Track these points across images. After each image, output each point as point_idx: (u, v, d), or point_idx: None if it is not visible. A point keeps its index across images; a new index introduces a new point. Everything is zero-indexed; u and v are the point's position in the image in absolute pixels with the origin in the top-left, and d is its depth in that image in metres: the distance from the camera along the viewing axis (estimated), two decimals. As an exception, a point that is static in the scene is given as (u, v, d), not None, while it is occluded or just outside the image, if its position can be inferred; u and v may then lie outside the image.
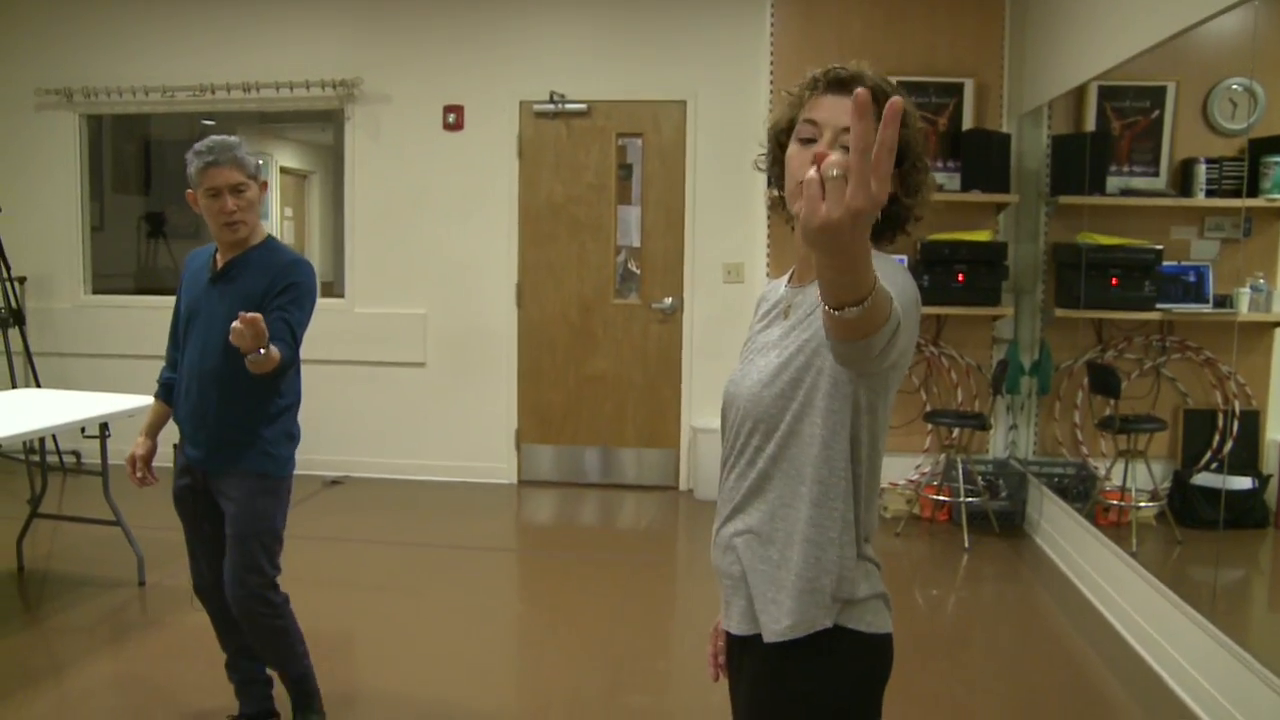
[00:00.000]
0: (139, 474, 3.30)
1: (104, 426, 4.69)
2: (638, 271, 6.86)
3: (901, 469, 6.38)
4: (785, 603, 1.66)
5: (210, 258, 3.16)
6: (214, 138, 3.04)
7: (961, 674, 4.21)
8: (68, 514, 5.29)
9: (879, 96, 1.60)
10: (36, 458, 5.34)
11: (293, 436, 3.20)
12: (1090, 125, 5.58)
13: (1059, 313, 5.86)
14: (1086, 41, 5.25)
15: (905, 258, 6.06)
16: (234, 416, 3.08)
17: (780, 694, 1.70)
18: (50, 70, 7.16)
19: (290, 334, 3.00)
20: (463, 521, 6.11)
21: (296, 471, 3.26)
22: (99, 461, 4.86)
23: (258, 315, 2.67)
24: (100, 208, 7.90)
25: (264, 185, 3.14)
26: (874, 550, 1.74)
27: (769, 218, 6.36)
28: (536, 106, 6.73)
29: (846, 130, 1.64)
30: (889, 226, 1.79)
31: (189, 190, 3.07)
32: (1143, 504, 5.28)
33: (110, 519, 4.87)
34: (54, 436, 6.17)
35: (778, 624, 1.66)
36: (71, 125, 7.23)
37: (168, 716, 3.57)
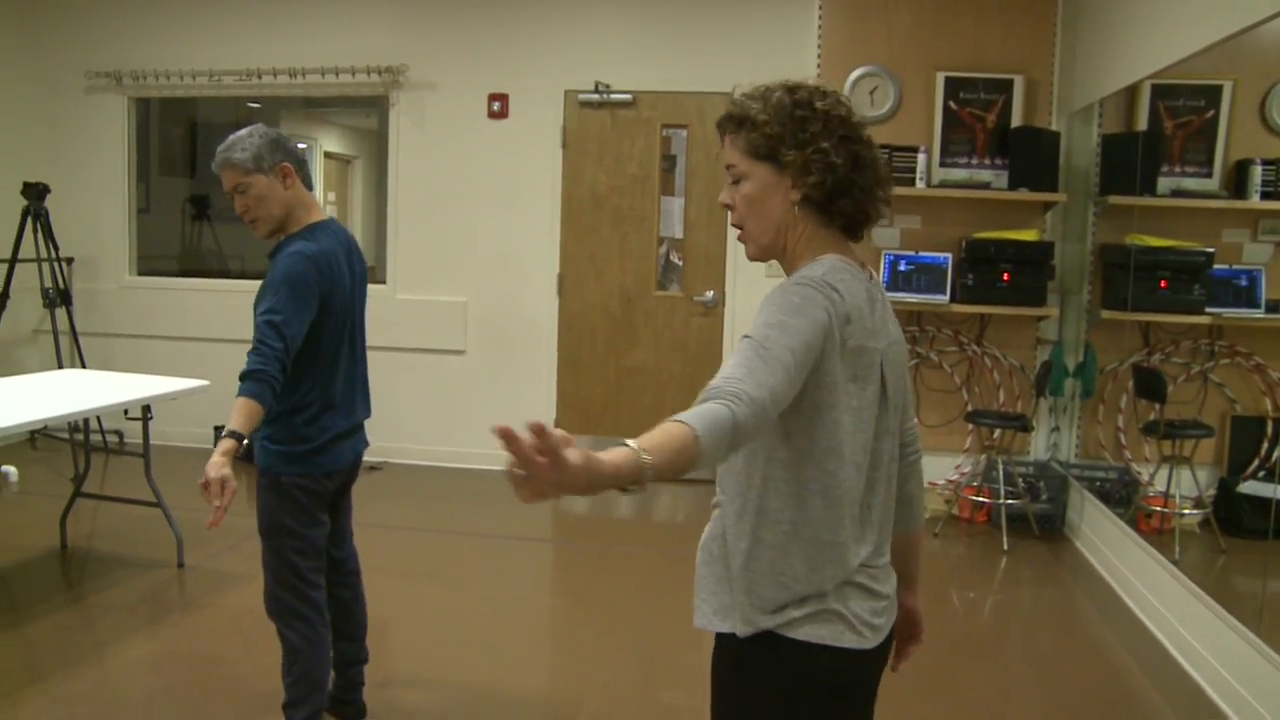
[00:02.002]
0: None
1: (146, 409, 4.73)
2: (680, 263, 6.83)
3: (941, 469, 6.32)
4: (702, 606, 1.83)
5: None
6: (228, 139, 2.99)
7: (997, 678, 4.16)
8: (110, 494, 5.34)
9: (732, 126, 1.76)
10: (81, 437, 5.39)
11: (300, 438, 3.00)
12: (1142, 124, 5.48)
13: (1105, 314, 5.78)
14: (1141, 39, 5.15)
15: (949, 256, 6.00)
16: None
17: (713, 682, 1.88)
18: (100, 54, 7.23)
19: (267, 333, 2.81)
20: (499, 511, 6.12)
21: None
22: (141, 442, 4.91)
23: (211, 482, 2.65)
24: (146, 190, 7.97)
25: (281, 170, 2.99)
26: (866, 571, 1.77)
27: (812, 212, 6.30)
28: (581, 96, 6.72)
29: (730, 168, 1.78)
30: (848, 226, 1.78)
31: None
32: (1186, 511, 5.21)
33: (151, 500, 4.92)
34: (98, 417, 6.24)
35: (698, 619, 1.85)
36: (120, 108, 7.30)
37: (206, 696, 3.60)
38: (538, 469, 1.26)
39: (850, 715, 1.81)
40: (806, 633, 1.72)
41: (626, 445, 1.38)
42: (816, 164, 1.68)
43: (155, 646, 4.04)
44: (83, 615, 4.33)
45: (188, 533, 4.99)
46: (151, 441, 4.95)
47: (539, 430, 1.24)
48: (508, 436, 1.22)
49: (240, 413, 2.73)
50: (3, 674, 3.71)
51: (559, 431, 1.29)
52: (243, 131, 3.00)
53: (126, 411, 4.64)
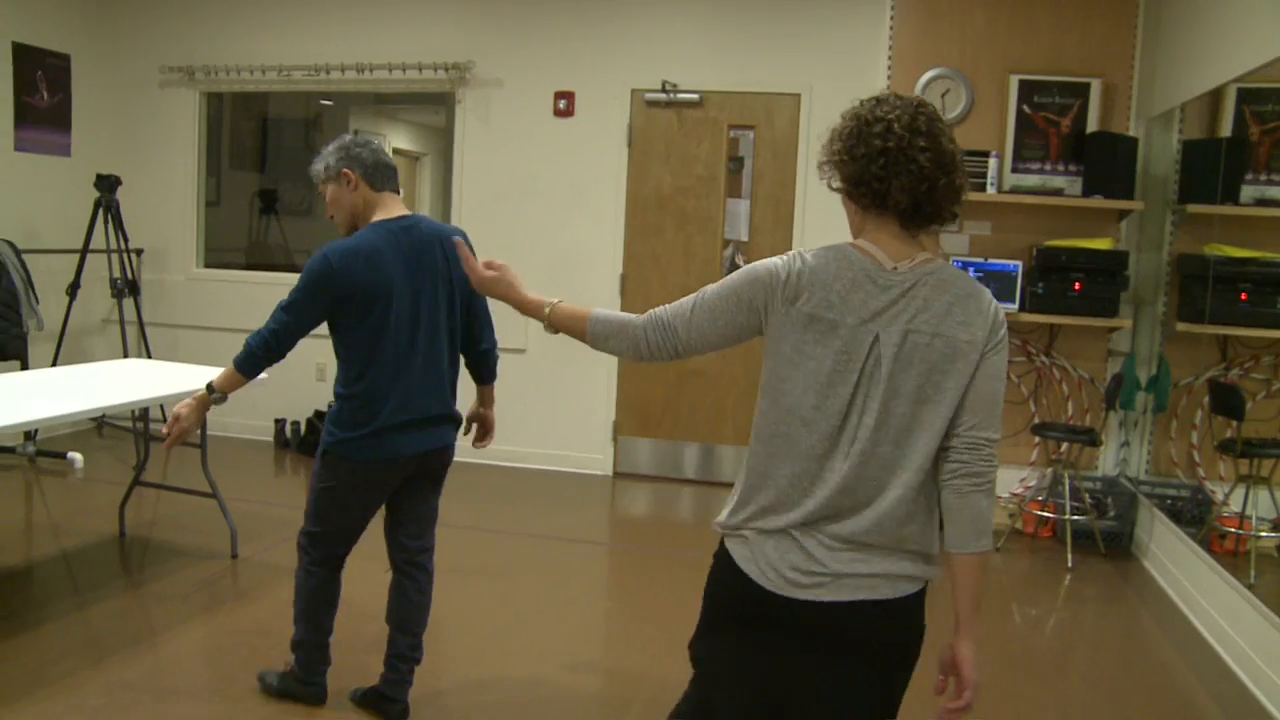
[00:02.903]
0: None
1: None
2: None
3: (1005, 481, 6.17)
4: None
5: None
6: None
7: (1057, 700, 4.02)
8: (169, 484, 5.39)
9: None
10: (141, 426, 5.44)
11: (346, 424, 3.20)
12: (1226, 130, 5.31)
13: (1181, 327, 5.59)
14: (1226, 41, 4.97)
15: (1019, 264, 5.85)
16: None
17: None
18: (174, 49, 7.34)
19: (272, 313, 3.16)
20: (557, 511, 6.09)
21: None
22: (215, 433, 4.94)
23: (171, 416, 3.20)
24: (217, 183, 8.07)
25: (344, 175, 3.22)
26: (808, 529, 1.97)
27: (879, 216, 6.19)
28: (648, 95, 6.66)
29: None
30: (901, 215, 1.97)
31: None
32: (1264, 533, 5.02)
33: (208, 490, 4.95)
34: (160, 406, 6.32)
35: None
36: (192, 102, 7.40)
37: (254, 689, 3.59)
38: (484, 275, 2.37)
39: (756, 643, 2.03)
40: (728, 545, 2.06)
41: (549, 300, 2.28)
42: (835, 163, 2.00)
43: (206, 636, 4.06)
44: (139, 602, 4.37)
45: (243, 524, 5.02)
46: (211, 432, 5.00)
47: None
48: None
49: (223, 373, 3.24)
50: (62, 656, 3.76)
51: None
52: (321, 150, 3.32)
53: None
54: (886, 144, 1.89)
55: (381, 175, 3.25)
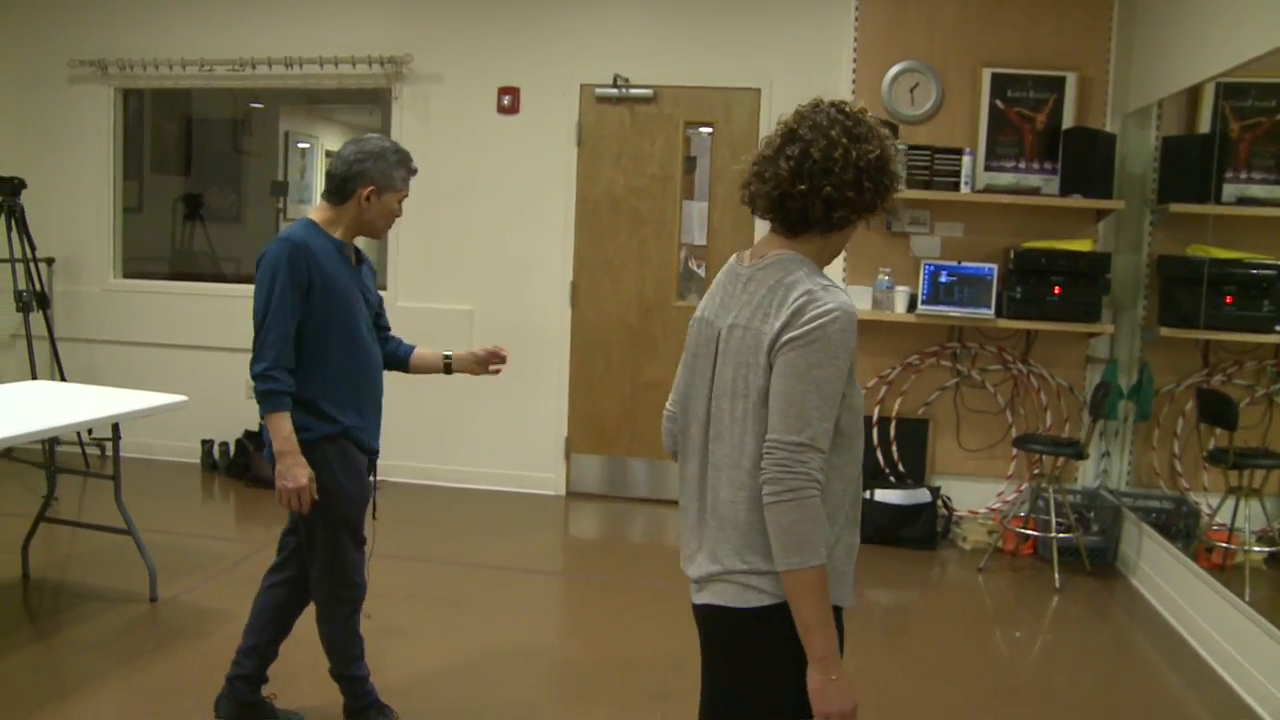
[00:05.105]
0: (314, 498, 3.06)
1: (115, 427, 4.29)
2: (702, 272, 6.39)
3: (982, 496, 5.89)
4: None
5: (333, 245, 3.10)
6: (398, 145, 3.17)
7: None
8: (80, 519, 4.88)
9: None
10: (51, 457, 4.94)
11: None
12: (1206, 126, 5.08)
13: (1163, 332, 5.35)
14: (1207, 35, 4.74)
15: (994, 267, 5.57)
16: None
17: None
18: (84, 41, 6.80)
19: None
20: (504, 537, 5.67)
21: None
22: (133, 455, 4.45)
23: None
24: (139, 188, 7.56)
25: None
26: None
27: (845, 218, 5.87)
28: (599, 90, 6.28)
29: None
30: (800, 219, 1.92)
31: (368, 186, 3.08)
32: (1255, 547, 4.78)
33: (122, 526, 4.46)
34: (78, 432, 5.81)
35: None
36: (106, 99, 6.86)
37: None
38: None
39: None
40: None
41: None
42: None
43: (121, 697, 3.59)
44: (44, 655, 3.90)
45: (166, 560, 4.55)
46: (134, 455, 4.51)
47: None
48: None
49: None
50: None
51: None
52: None
53: (91, 432, 4.20)
54: (763, 152, 1.95)
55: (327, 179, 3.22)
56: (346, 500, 3.10)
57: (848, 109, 1.91)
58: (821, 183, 1.86)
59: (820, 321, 1.79)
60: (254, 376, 2.98)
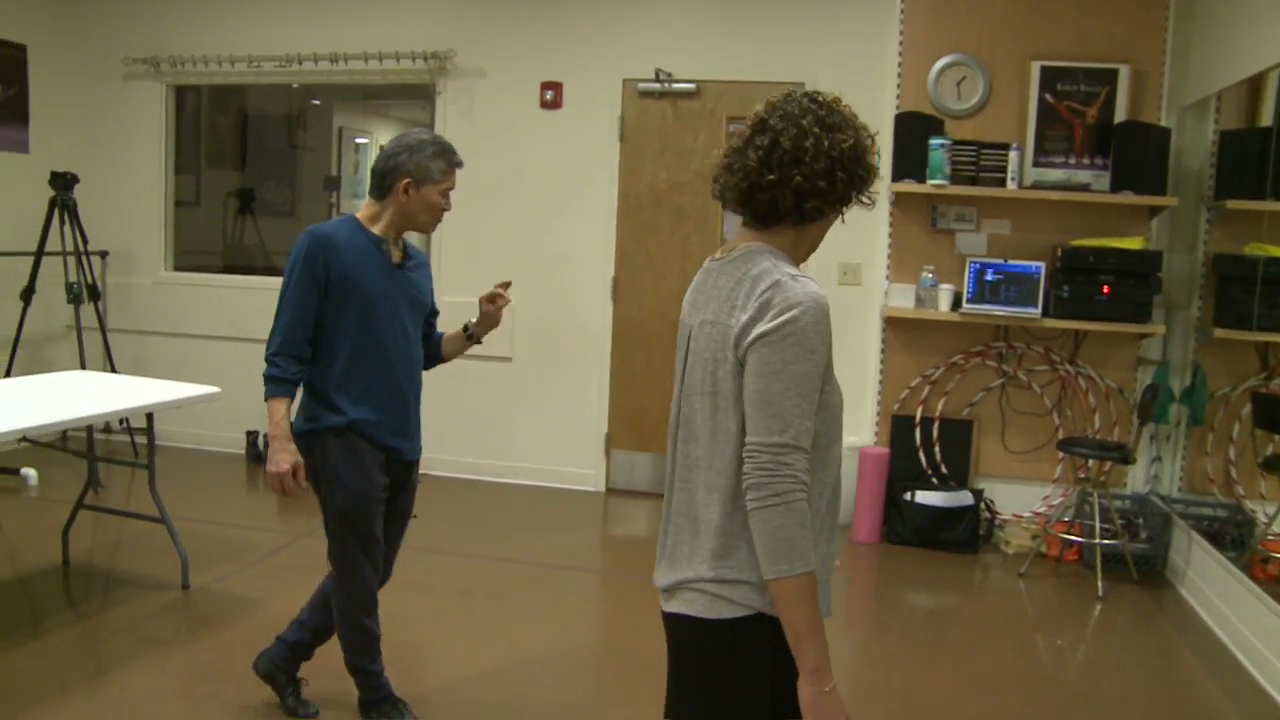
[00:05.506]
0: (301, 484, 3.10)
1: (149, 417, 4.34)
2: (742, 268, 6.31)
3: (1027, 500, 5.74)
4: None
5: (369, 241, 3.10)
6: (441, 137, 3.13)
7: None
8: (118, 507, 4.96)
9: None
10: (98, 444, 5.02)
11: None
12: (1268, 119, 4.86)
13: (1218, 333, 5.16)
14: (1273, 21, 4.53)
15: (1041, 266, 5.42)
16: (419, 401, 3.28)
17: None
18: (138, 38, 6.91)
19: None
20: (544, 533, 5.65)
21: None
22: (183, 445, 4.50)
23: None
24: (196, 182, 7.67)
25: None
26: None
27: (892, 214, 5.76)
28: (641, 85, 6.23)
29: None
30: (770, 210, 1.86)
31: (405, 179, 3.05)
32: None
33: (159, 515, 4.52)
34: (120, 421, 5.92)
35: None
36: (158, 95, 6.97)
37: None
38: None
39: None
40: None
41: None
42: None
43: (148, 681, 3.63)
44: (80, 637, 3.96)
45: (203, 548, 4.61)
46: (182, 445, 4.55)
47: None
48: None
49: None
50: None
51: None
52: None
53: (125, 421, 4.26)
54: (733, 144, 1.88)
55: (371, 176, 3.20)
56: (345, 494, 3.09)
57: (821, 98, 1.85)
58: (791, 172, 1.79)
59: (791, 314, 1.71)
60: (264, 360, 3.06)
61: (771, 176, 1.80)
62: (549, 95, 6.34)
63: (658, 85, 6.17)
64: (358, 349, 3.09)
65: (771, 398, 1.71)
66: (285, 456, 3.03)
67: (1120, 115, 5.49)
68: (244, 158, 8.55)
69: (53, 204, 6.20)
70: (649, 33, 6.19)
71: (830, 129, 1.80)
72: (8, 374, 6.17)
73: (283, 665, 3.39)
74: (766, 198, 1.82)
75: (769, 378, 1.72)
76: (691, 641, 1.87)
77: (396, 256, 3.16)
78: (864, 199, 1.87)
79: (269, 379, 3.05)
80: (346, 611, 3.20)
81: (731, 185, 1.87)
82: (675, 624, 1.91)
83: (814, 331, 1.72)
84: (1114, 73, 5.48)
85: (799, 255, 1.89)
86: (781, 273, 1.77)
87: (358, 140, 9.39)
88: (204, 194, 7.92)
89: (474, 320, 3.41)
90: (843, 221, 1.93)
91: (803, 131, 1.79)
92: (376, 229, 3.12)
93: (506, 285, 3.32)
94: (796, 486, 1.69)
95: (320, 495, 3.13)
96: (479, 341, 3.46)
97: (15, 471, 6.00)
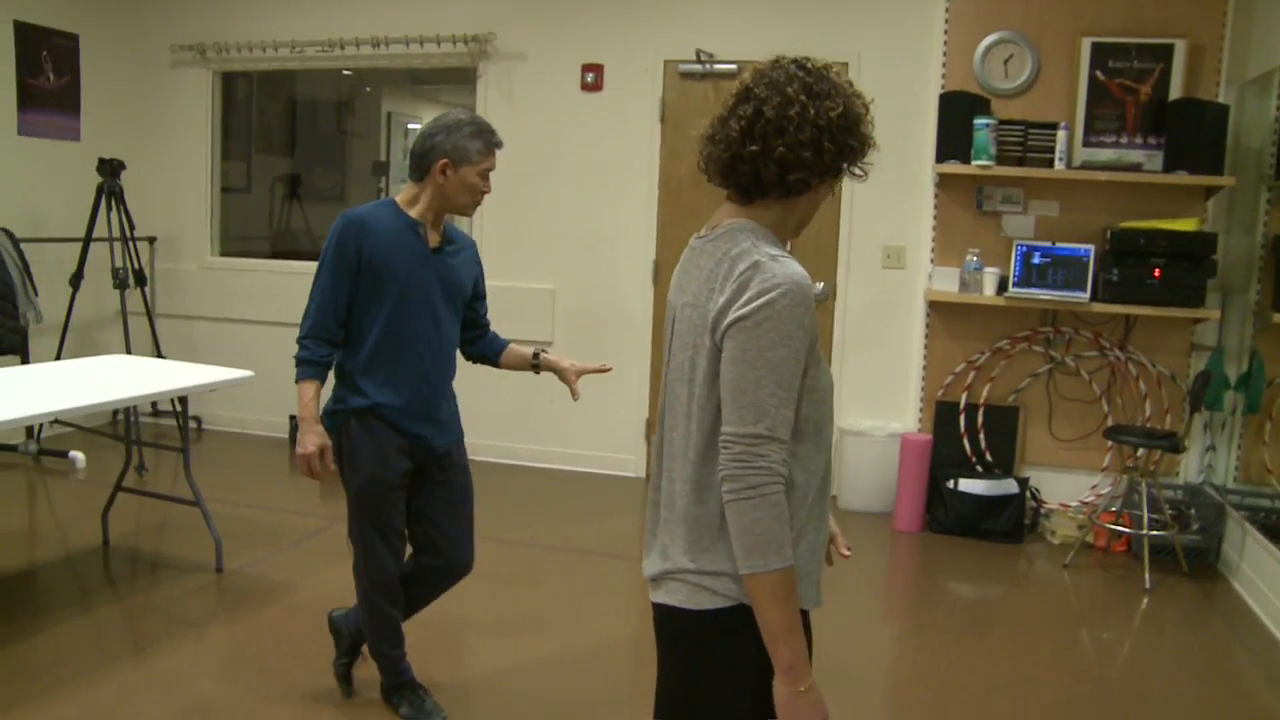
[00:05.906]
0: (330, 466, 3.11)
1: (183, 400, 4.37)
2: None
3: (1074, 489, 5.60)
4: None
5: (406, 223, 3.07)
6: (480, 117, 3.06)
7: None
8: (153, 490, 5.01)
9: None
10: (136, 427, 5.08)
11: None
12: (1331, 95, 4.68)
13: (1277, 318, 4.98)
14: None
15: (1091, 249, 5.26)
16: (452, 388, 3.27)
17: None
18: (184, 25, 6.98)
19: None
20: (583, 519, 5.62)
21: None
22: (228, 429, 4.55)
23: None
24: (246, 168, 7.73)
25: None
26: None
27: (937, 196, 5.63)
28: (682, 67, 6.15)
29: None
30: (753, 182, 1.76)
31: (442, 159, 3.00)
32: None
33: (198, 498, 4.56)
34: (173, 401, 5.97)
35: None
36: (205, 82, 7.03)
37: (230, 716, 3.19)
38: None
39: None
40: None
41: None
42: None
43: (178, 662, 3.66)
44: (119, 616, 4.02)
45: (239, 532, 4.65)
46: (227, 430, 4.58)
47: None
48: None
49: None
50: (30, 675, 3.43)
51: None
52: None
53: (155, 405, 4.30)
54: (718, 114, 1.79)
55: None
56: (360, 477, 3.08)
57: (810, 65, 1.75)
58: (775, 142, 1.69)
59: (768, 298, 1.62)
60: (295, 343, 3.08)
61: (754, 147, 1.71)
62: (590, 77, 6.29)
63: (699, 66, 6.09)
64: (386, 333, 3.06)
65: (747, 386, 1.63)
66: (312, 438, 3.03)
67: (1175, 92, 5.31)
68: (293, 144, 8.61)
69: (100, 190, 6.28)
70: (690, 13, 6.10)
71: (817, 96, 1.71)
72: (57, 358, 6.26)
73: (350, 632, 3.39)
74: (749, 169, 1.73)
75: (744, 365, 1.64)
76: (674, 632, 1.83)
77: (434, 240, 3.12)
78: (855, 171, 1.78)
79: (299, 361, 3.06)
80: (364, 594, 3.19)
81: (714, 157, 1.78)
82: (660, 615, 1.86)
83: (791, 315, 1.63)
84: (1169, 48, 5.30)
85: (785, 232, 1.80)
86: (761, 253, 1.68)
87: (407, 125, 9.41)
88: (254, 180, 7.98)
89: (545, 352, 3.38)
90: (833, 194, 1.83)
91: (787, 99, 1.70)
92: (414, 212, 3.08)
93: (606, 369, 3.29)
94: (772, 479, 1.62)
95: (343, 477, 3.12)
96: (536, 373, 3.43)
97: (64, 454, 6.10)
